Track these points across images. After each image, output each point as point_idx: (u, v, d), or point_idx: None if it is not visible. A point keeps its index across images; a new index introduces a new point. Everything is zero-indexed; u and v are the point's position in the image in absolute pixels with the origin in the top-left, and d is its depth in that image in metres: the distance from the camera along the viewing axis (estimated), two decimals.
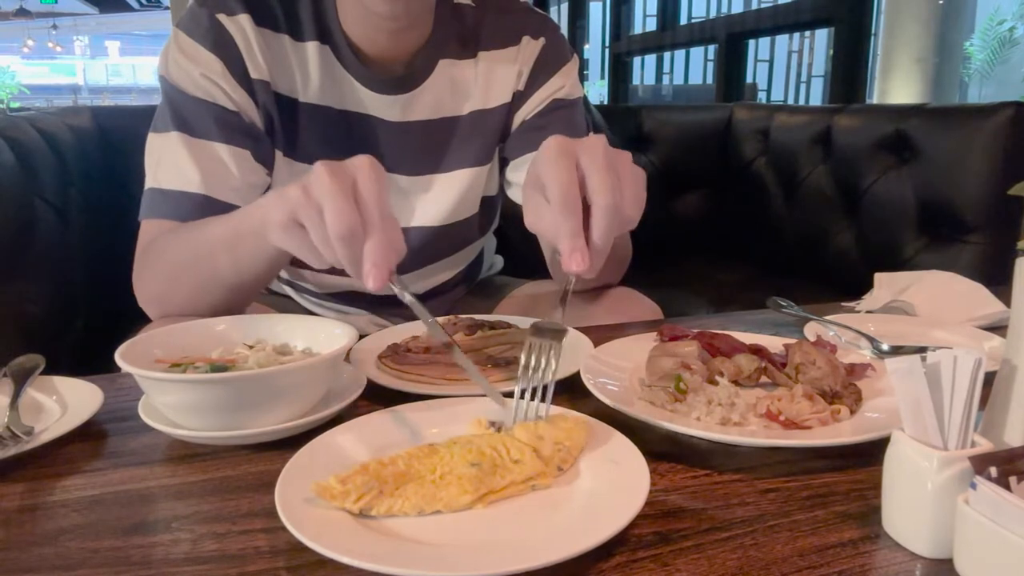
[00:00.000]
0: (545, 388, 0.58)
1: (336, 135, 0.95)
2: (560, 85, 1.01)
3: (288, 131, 0.94)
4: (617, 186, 0.56)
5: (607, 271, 0.94)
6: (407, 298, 0.61)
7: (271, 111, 0.92)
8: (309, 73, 0.92)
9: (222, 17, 0.88)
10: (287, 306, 1.11)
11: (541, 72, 1.01)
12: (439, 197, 1.01)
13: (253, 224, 0.71)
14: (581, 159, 0.57)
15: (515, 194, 1.06)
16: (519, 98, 1.01)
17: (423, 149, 0.99)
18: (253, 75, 0.89)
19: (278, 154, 0.94)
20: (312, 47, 0.92)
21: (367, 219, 0.57)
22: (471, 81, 0.99)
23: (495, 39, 1.00)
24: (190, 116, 0.87)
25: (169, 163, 0.87)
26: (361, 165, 0.58)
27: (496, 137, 1.02)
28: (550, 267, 1.00)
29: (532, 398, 0.57)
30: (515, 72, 1.00)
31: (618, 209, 0.56)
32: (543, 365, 0.58)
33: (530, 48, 1.01)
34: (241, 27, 0.88)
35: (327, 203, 0.56)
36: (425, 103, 0.97)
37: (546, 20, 1.04)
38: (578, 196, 0.56)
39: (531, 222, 0.61)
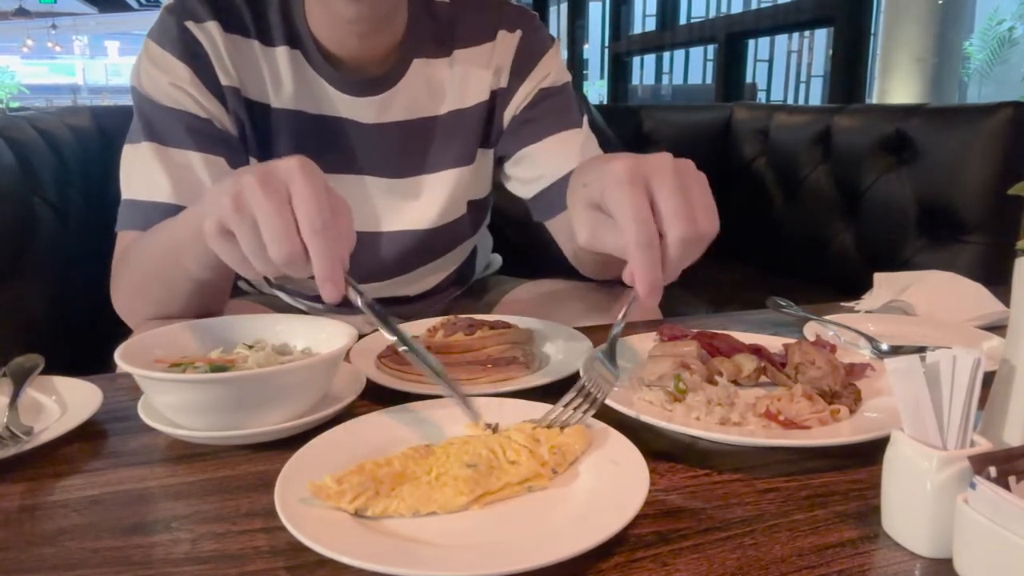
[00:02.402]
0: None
1: (310, 139, 0.94)
2: (545, 74, 1.00)
3: (261, 137, 0.93)
4: (691, 212, 0.53)
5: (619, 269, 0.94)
6: (359, 303, 0.59)
7: (242, 118, 0.91)
8: (280, 78, 0.92)
9: (190, 24, 0.88)
10: (283, 307, 1.10)
11: (523, 66, 1.00)
12: (424, 200, 1.00)
13: (193, 229, 0.70)
14: (651, 183, 0.54)
15: (516, 188, 1.05)
16: (503, 95, 1.00)
17: (402, 151, 0.98)
18: (223, 82, 0.89)
19: (252, 161, 0.94)
20: (282, 52, 0.91)
21: (307, 234, 0.54)
22: (447, 80, 0.98)
23: (470, 36, 0.99)
24: (161, 126, 0.87)
25: (140, 174, 0.87)
26: (291, 169, 0.56)
27: (477, 136, 1.01)
28: (590, 263, 0.98)
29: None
30: (491, 69, 0.99)
31: (694, 235, 0.54)
32: (586, 400, 0.59)
33: (507, 43, 0.99)
34: (210, 34, 0.88)
35: (263, 223, 0.55)
36: (400, 104, 0.96)
37: (522, 11, 1.02)
38: (654, 228, 0.53)
39: (588, 241, 0.59)
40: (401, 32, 0.95)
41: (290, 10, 0.91)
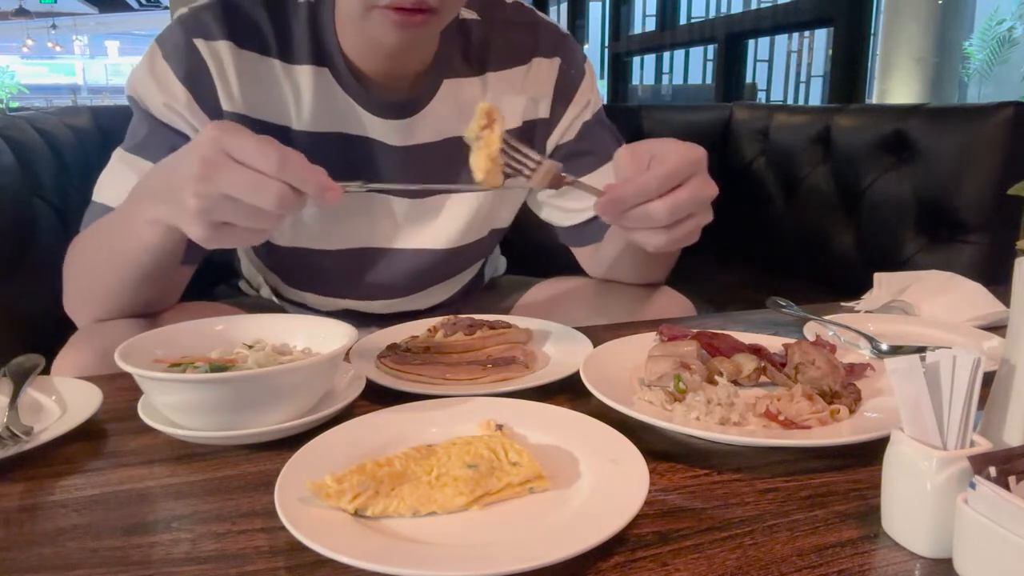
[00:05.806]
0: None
1: (335, 160, 0.92)
2: (585, 101, 1.00)
3: None
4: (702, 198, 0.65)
5: (650, 270, 0.98)
6: (360, 190, 0.64)
7: None
8: (303, 98, 0.89)
9: (199, 42, 0.84)
10: (259, 309, 1.09)
11: (564, 95, 0.99)
12: (445, 220, 0.99)
13: (138, 219, 0.71)
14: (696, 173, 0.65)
15: (550, 214, 1.04)
16: (544, 125, 0.99)
17: (428, 172, 0.95)
18: (225, 107, 0.86)
19: None
20: (307, 71, 0.88)
21: (275, 172, 0.57)
22: (478, 102, 0.98)
23: (503, 59, 0.96)
24: (146, 139, 0.86)
25: (112, 181, 0.86)
26: (215, 138, 0.58)
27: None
28: (604, 265, 1.03)
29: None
30: (525, 96, 0.97)
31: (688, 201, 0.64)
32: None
33: (545, 70, 0.98)
34: (218, 55, 0.85)
35: (237, 192, 0.58)
36: (429, 125, 0.93)
37: (556, 33, 1.00)
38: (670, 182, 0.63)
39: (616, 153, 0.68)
40: (433, 51, 0.92)
41: (318, 28, 0.88)
